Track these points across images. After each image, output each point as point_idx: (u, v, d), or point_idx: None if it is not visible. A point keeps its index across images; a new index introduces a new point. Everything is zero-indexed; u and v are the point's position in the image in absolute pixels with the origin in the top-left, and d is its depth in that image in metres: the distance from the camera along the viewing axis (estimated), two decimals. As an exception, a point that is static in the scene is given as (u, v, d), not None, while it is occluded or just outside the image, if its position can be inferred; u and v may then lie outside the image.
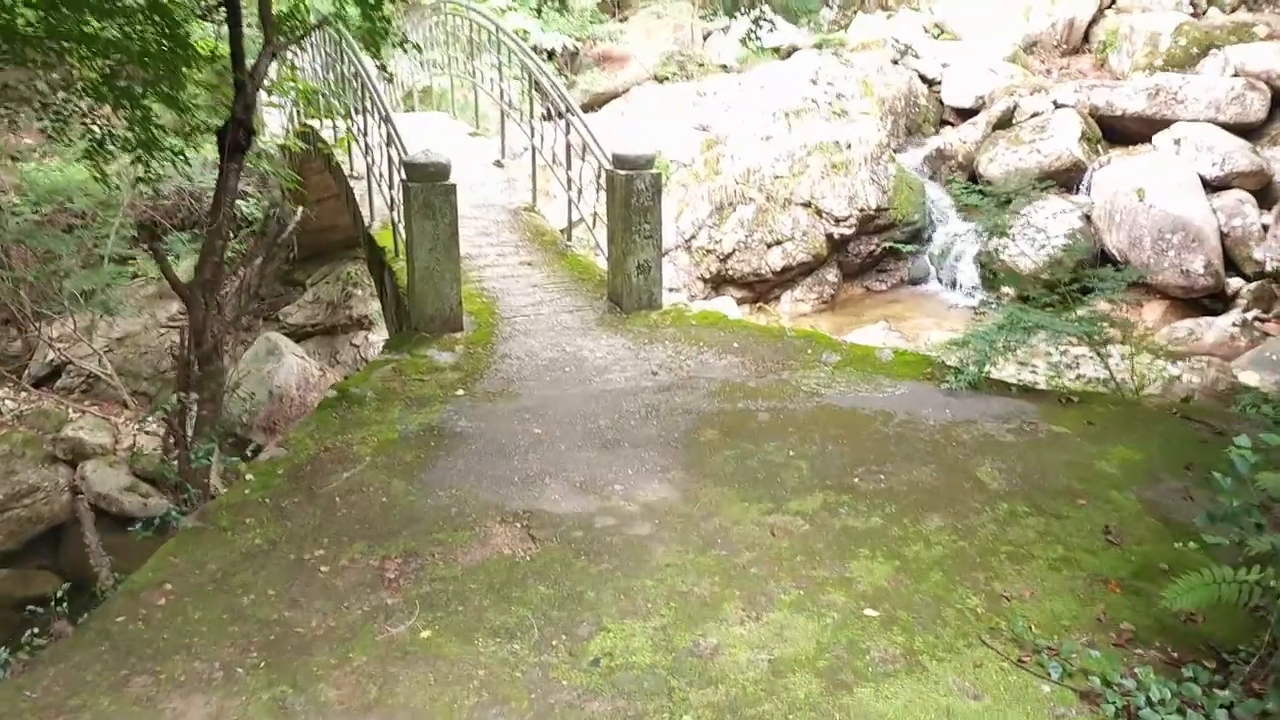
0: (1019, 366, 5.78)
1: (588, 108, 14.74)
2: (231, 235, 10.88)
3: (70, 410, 11.25)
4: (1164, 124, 13.21)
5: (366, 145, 8.36)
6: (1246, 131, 12.93)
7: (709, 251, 13.26)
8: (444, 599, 3.59)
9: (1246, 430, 4.89)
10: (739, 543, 3.91)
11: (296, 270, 13.84)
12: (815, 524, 4.04)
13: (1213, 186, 12.27)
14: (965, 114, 15.11)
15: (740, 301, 12.91)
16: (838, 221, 13.32)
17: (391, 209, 7.51)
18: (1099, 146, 13.60)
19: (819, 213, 13.33)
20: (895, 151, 14.26)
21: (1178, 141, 12.82)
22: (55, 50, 5.23)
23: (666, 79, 16.79)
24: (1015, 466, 4.51)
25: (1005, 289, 8.89)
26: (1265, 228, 11.78)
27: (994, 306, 6.14)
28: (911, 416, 5.09)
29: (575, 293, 7.31)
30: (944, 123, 15.58)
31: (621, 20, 18.35)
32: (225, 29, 6.20)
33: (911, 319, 12.57)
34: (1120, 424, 5.01)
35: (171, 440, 5.72)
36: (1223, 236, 11.85)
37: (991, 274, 12.39)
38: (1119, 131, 13.69)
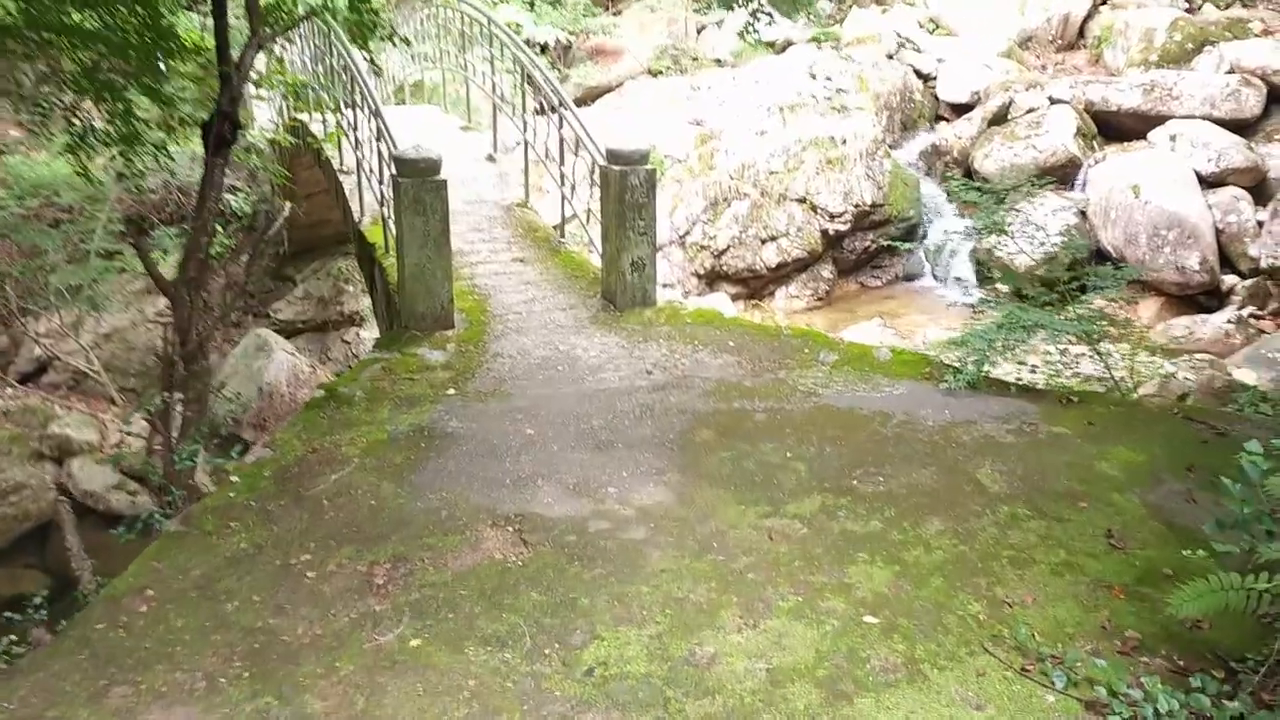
0: (1017, 366, 5.71)
1: (581, 102, 14.64)
2: (219, 230, 10.79)
3: (57, 407, 11.12)
4: (1159, 120, 13.15)
5: (356, 140, 8.25)
6: (1241, 128, 12.88)
7: (703, 247, 13.17)
8: (434, 606, 3.50)
9: (1247, 430, 4.87)
10: (736, 547, 3.83)
11: (287, 266, 13.72)
12: (813, 528, 3.97)
13: (1208, 183, 12.22)
14: (960, 109, 15.04)
15: (735, 298, 12.83)
16: (833, 217, 13.25)
17: (382, 204, 7.41)
18: (1094, 142, 13.54)
19: (814, 208, 13.25)
20: (890, 147, 14.19)
21: (1173, 138, 12.76)
22: (35, 41, 5.11)
23: (660, 73, 16.68)
24: (1015, 468, 4.44)
25: (1001, 286, 8.84)
26: (1260, 224, 11.75)
27: (993, 305, 6.05)
28: (910, 417, 5.02)
29: (568, 290, 7.22)
30: (939, 118, 15.49)
31: (615, 14, 18.22)
32: (210, 20, 6.07)
33: (906, 315, 12.51)
34: (1120, 424, 4.94)
35: (156, 441, 5.61)
36: (1218, 233, 11.81)
37: (987, 271, 12.35)
38: (1114, 127, 13.63)
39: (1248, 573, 2.93)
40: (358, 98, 8.04)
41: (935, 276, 13.61)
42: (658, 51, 17.07)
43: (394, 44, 7.52)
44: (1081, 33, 16.30)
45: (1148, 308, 11.76)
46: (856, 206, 13.26)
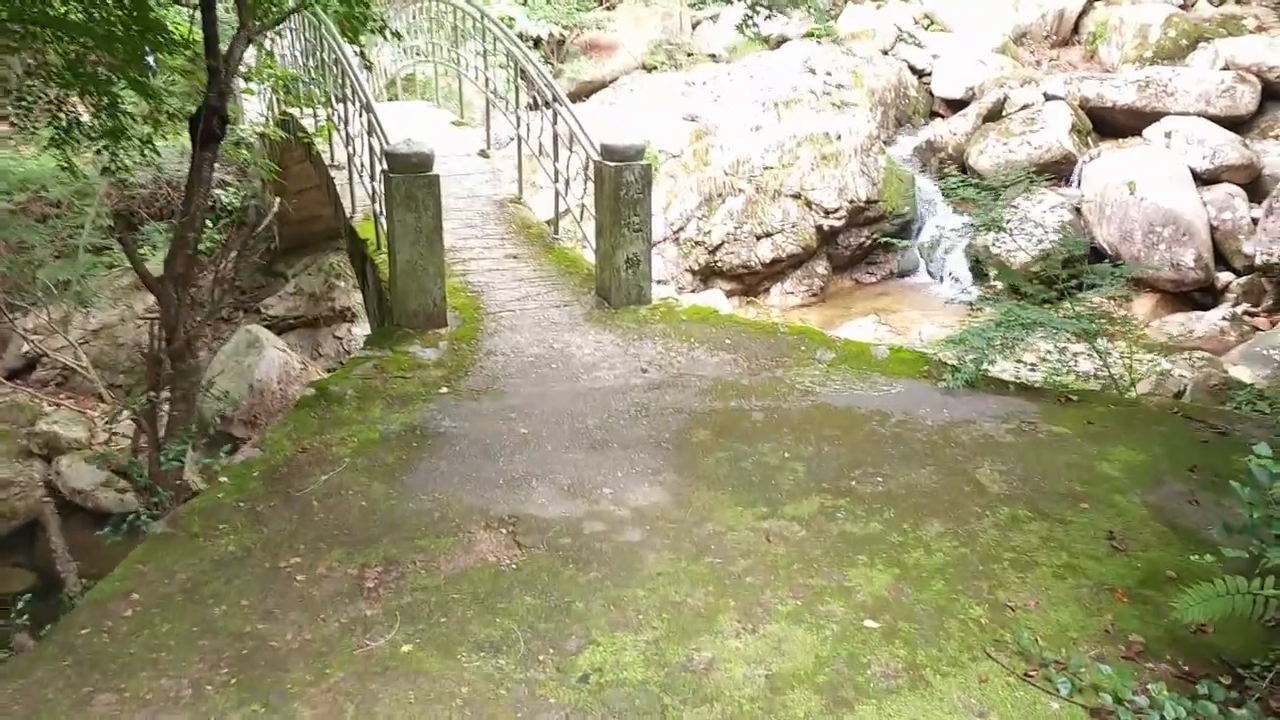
0: (1016, 364, 5.66)
1: (574, 97, 14.54)
2: (209, 226, 10.68)
3: (45, 404, 11.01)
4: (1154, 116, 13.14)
5: (347, 134, 8.15)
6: (1236, 124, 12.87)
7: (697, 243, 13.11)
8: (426, 610, 3.43)
9: (1248, 430, 4.82)
10: (733, 550, 3.77)
11: (278, 261, 13.60)
12: (812, 529, 3.91)
13: (1203, 180, 12.20)
14: (955, 105, 15.00)
15: (729, 294, 12.77)
16: (827, 213, 13.20)
17: (373, 200, 7.31)
18: (1089, 139, 13.52)
19: (809, 204, 13.20)
20: (885, 143, 14.14)
21: (1168, 134, 12.74)
22: (19, 34, 5.01)
23: (655, 68, 16.59)
24: (1015, 468, 4.39)
25: (997, 282, 8.80)
26: (1255, 221, 11.73)
27: (991, 302, 5.99)
28: (909, 416, 4.96)
29: (562, 287, 7.14)
30: (934, 114, 15.47)
31: (609, 8, 18.13)
32: (199, 13, 5.97)
33: (901, 312, 12.48)
34: (1120, 424, 4.89)
35: (142, 441, 5.51)
36: (1213, 230, 11.79)
37: (983, 267, 12.31)
38: (1109, 124, 13.61)
39: (1254, 577, 2.88)
40: (349, 92, 7.94)
41: (930, 273, 13.58)
42: (652, 46, 16.98)
43: (385, 38, 7.42)
44: (1076, 28, 16.29)
45: (1142, 305, 11.73)
46: (851, 202, 13.22)
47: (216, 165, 7.08)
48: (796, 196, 13.21)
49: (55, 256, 11.36)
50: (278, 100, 11.07)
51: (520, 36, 12.60)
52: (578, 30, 17.19)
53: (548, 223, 8.48)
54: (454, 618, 3.38)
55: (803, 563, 3.67)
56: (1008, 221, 6.15)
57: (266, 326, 12.18)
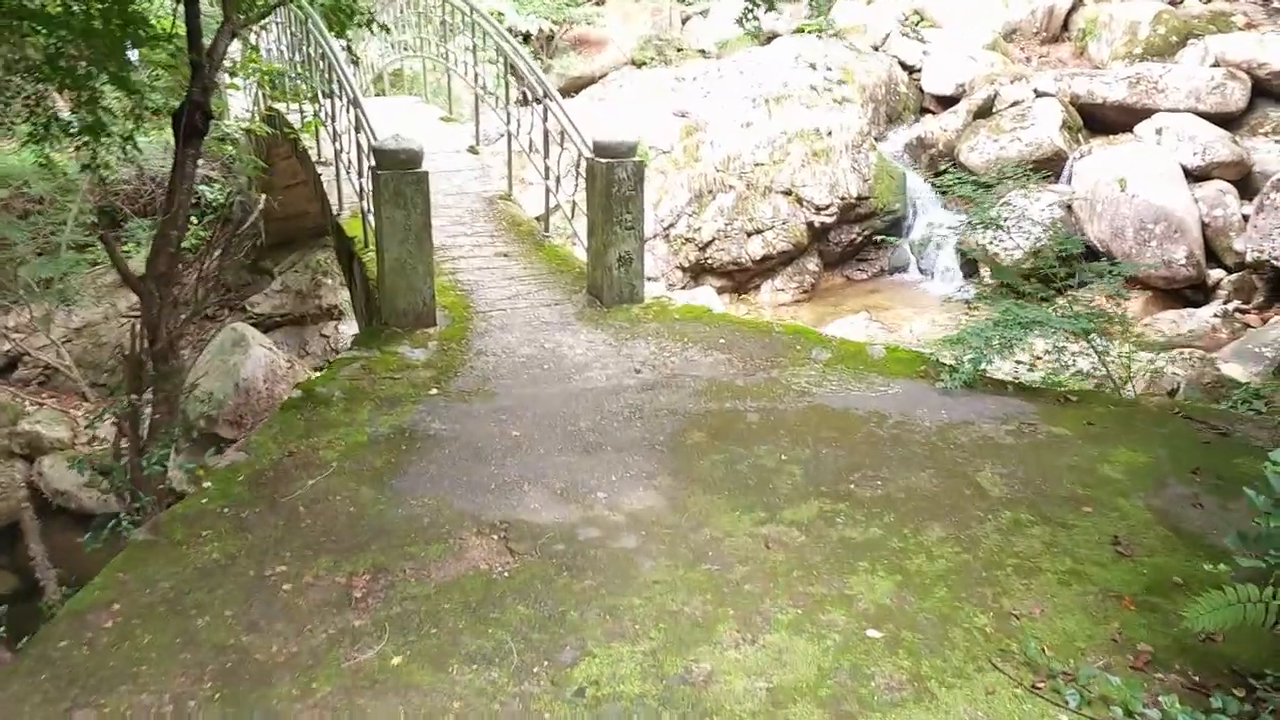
0: (1015, 365, 5.60)
1: (564, 92, 14.42)
2: (194, 222, 10.52)
3: (27, 403, 10.85)
4: (1145, 113, 13.10)
5: (334, 130, 8.02)
6: (1226, 121, 12.85)
7: (688, 240, 13.02)
8: (416, 621, 3.33)
9: (1249, 431, 4.77)
10: (731, 556, 3.69)
11: (264, 258, 13.45)
12: (811, 535, 3.83)
13: (1194, 176, 12.18)
14: (946, 102, 14.94)
15: (720, 291, 12.69)
16: (818, 210, 13.13)
17: (361, 197, 7.19)
18: (1080, 135, 13.49)
19: (799, 201, 13.13)
20: (876, 139, 14.08)
21: (1159, 131, 12.71)
22: (-5, 27, 4.87)
23: (644, 64, 16.49)
24: (1016, 471, 4.32)
25: (990, 279, 8.73)
26: (1245, 218, 11.71)
27: (989, 301, 5.92)
28: (907, 417, 4.89)
29: (553, 285, 7.04)
30: (924, 110, 15.40)
31: (598, 3, 17.98)
32: (182, 7, 5.84)
33: (892, 309, 12.42)
34: (1120, 424, 4.83)
35: (123, 445, 5.39)
36: (1204, 227, 11.77)
37: (972, 263, 12.27)
38: (1100, 120, 13.58)
39: (1266, 586, 2.81)
40: (335, 87, 7.81)
41: (920, 269, 13.54)
42: (642, 42, 16.88)
43: (372, 32, 7.29)
44: (1066, 25, 16.25)
45: (1133, 302, 11.67)
46: (842, 199, 13.15)
47: (201, 161, 6.95)
48: (787, 193, 13.14)
49: (37, 253, 11.20)
50: (263, 95, 10.92)
51: (509, 31, 12.49)
52: (567, 25, 17.06)
53: (538, 219, 8.37)
54: (445, 628, 3.29)
55: (802, 569, 3.59)
56: (1005, 220, 6.08)
57: (252, 324, 12.02)
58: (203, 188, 11.88)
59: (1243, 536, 2.87)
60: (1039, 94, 13.78)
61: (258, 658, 3.15)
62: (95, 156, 5.64)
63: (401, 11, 12.17)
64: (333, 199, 8.29)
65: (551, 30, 16.83)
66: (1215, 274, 11.69)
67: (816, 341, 5.99)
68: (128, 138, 5.71)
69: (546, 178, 7.86)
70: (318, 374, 6.22)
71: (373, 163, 6.25)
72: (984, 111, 13.95)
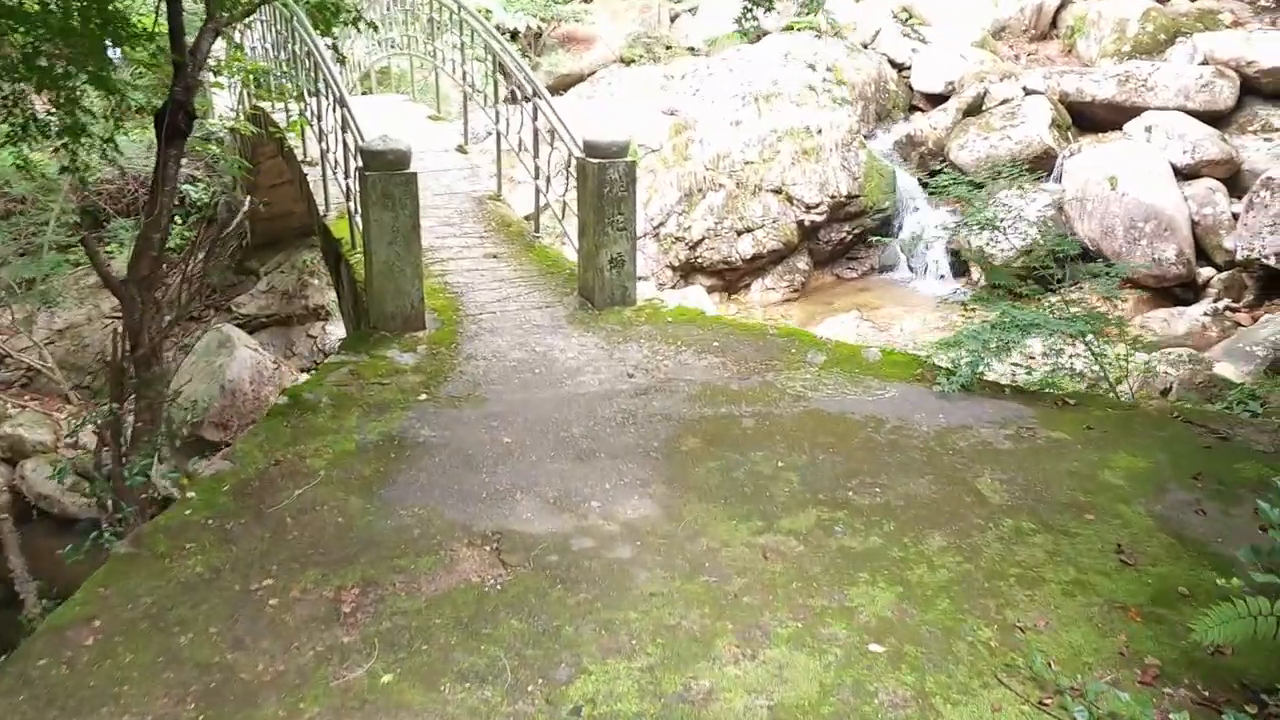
0: (1011, 368, 5.54)
1: (552, 90, 14.24)
2: (178, 223, 10.38)
3: (9, 406, 10.68)
4: (1134, 111, 13.09)
5: (320, 130, 7.90)
6: (1215, 119, 12.85)
7: (678, 239, 12.94)
8: (406, 636, 3.24)
9: (1249, 435, 4.72)
10: (729, 567, 3.61)
11: (250, 258, 13.29)
12: (810, 544, 3.76)
13: (1183, 174, 12.17)
14: (935, 99, 14.89)
15: (710, 290, 12.62)
16: (809, 208, 13.07)
17: (348, 198, 7.08)
18: (1069, 133, 13.47)
19: (790, 199, 13.07)
20: (865, 137, 14.03)
21: (1149, 129, 12.70)
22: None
23: (633, 61, 16.38)
24: (1016, 477, 4.26)
25: (978, 278, 8.68)
26: (1235, 216, 11.71)
27: (986, 303, 5.86)
28: (904, 422, 4.82)
29: (544, 287, 6.95)
30: (913, 108, 15.35)
31: (586, 0, 17.87)
32: (163, 4, 5.71)
33: (883, 307, 12.38)
34: (1120, 429, 4.78)
35: (105, 454, 5.27)
36: (1194, 225, 11.76)
37: (962, 263, 12.24)
38: (1089, 118, 13.56)
39: (1277, 598, 2.75)
40: (321, 85, 7.69)
41: (911, 268, 13.49)
42: (630, 39, 16.76)
43: (359, 30, 7.17)
44: (1054, 23, 16.24)
45: (1125, 301, 11.69)
46: (832, 198, 13.10)
47: (185, 161, 6.82)
48: (777, 191, 13.07)
49: (19, 254, 11.05)
50: (248, 94, 10.77)
51: (497, 29, 12.36)
52: (555, 23, 16.93)
53: (527, 219, 8.28)
54: (436, 645, 3.20)
55: (802, 581, 3.52)
56: (1003, 220, 6.03)
57: (238, 325, 11.88)
58: (187, 187, 11.73)
59: (1256, 551, 2.81)
60: (1028, 92, 13.76)
61: (243, 677, 3.06)
62: (75, 158, 5.51)
63: (388, 9, 12.02)
64: (319, 199, 8.17)
65: (539, 28, 16.70)
66: (1205, 272, 11.69)
67: (811, 344, 5.92)
68: (108, 139, 5.59)
69: (536, 177, 7.76)
70: (305, 379, 6.11)
71: (360, 163, 6.14)
72: (973, 109, 13.92)
